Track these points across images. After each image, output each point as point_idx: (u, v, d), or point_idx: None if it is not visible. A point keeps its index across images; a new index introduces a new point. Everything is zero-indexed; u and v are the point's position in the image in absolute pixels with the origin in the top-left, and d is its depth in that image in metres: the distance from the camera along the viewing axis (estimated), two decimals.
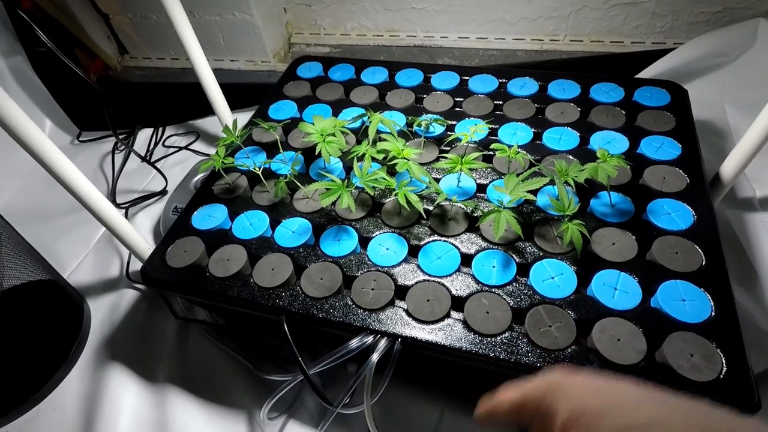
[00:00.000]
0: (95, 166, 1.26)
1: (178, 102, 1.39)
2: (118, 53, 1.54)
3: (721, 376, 0.51)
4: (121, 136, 1.28)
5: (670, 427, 0.29)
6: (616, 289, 0.59)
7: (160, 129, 1.32)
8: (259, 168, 0.76)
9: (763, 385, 0.57)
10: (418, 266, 0.65)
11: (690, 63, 1.11)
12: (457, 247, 0.66)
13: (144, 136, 1.31)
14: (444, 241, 0.67)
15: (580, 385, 0.34)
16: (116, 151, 1.27)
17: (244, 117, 0.92)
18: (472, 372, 0.65)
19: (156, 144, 1.29)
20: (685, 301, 0.57)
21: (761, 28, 1.08)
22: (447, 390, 0.73)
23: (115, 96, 1.38)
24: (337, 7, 1.34)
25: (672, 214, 0.66)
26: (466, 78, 0.92)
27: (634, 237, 0.64)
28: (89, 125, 1.38)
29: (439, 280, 0.63)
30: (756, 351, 0.66)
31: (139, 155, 1.18)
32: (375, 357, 0.57)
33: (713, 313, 0.56)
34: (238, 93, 1.22)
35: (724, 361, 0.52)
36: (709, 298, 0.57)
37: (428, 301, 0.61)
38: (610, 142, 0.77)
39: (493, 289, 0.61)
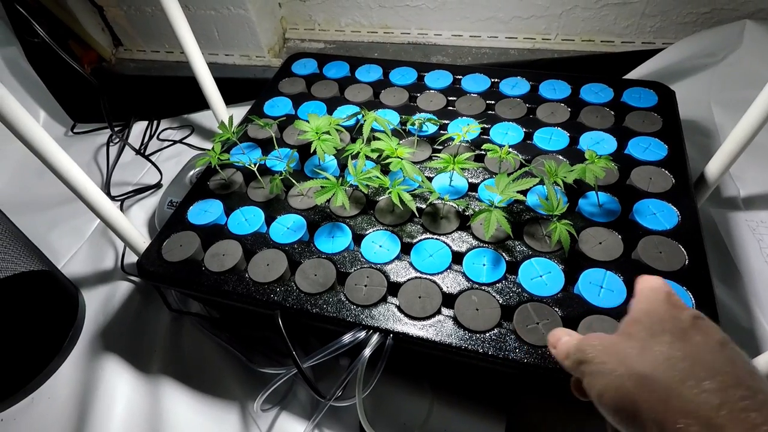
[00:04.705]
0: (89, 158, 1.26)
1: (172, 95, 1.39)
2: (113, 45, 1.54)
3: None
4: (116, 129, 1.29)
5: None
6: (602, 287, 0.61)
7: (155, 122, 1.32)
8: (255, 164, 0.77)
9: None
10: (410, 263, 0.66)
11: (678, 63, 1.13)
12: (448, 245, 0.68)
13: (138, 128, 1.32)
14: (436, 239, 0.68)
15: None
16: (111, 144, 1.28)
17: (238, 111, 0.93)
18: (462, 367, 0.67)
19: (150, 137, 1.29)
20: None
21: (747, 29, 1.10)
22: (437, 384, 0.74)
23: (109, 88, 1.38)
24: (332, 3, 1.35)
25: (657, 214, 0.67)
26: (459, 77, 0.93)
27: (620, 236, 0.66)
28: (83, 117, 1.38)
29: (430, 277, 0.64)
30: None
31: (133, 148, 1.18)
32: (367, 352, 0.59)
33: None
34: (233, 87, 1.22)
35: None
36: (691, 296, 0.59)
37: (420, 297, 0.62)
38: (598, 143, 0.78)
39: (483, 287, 0.63)
